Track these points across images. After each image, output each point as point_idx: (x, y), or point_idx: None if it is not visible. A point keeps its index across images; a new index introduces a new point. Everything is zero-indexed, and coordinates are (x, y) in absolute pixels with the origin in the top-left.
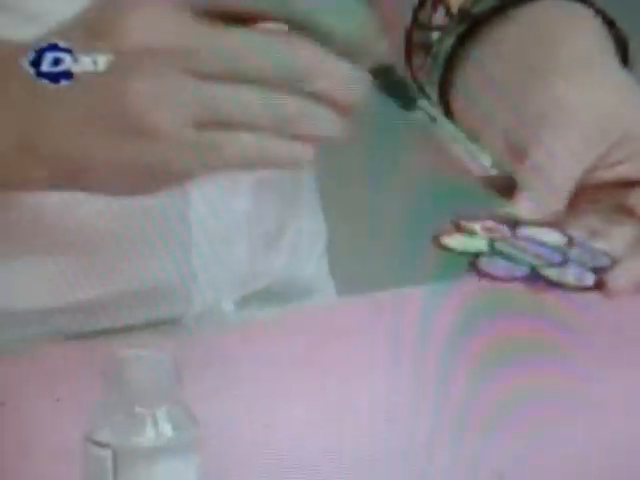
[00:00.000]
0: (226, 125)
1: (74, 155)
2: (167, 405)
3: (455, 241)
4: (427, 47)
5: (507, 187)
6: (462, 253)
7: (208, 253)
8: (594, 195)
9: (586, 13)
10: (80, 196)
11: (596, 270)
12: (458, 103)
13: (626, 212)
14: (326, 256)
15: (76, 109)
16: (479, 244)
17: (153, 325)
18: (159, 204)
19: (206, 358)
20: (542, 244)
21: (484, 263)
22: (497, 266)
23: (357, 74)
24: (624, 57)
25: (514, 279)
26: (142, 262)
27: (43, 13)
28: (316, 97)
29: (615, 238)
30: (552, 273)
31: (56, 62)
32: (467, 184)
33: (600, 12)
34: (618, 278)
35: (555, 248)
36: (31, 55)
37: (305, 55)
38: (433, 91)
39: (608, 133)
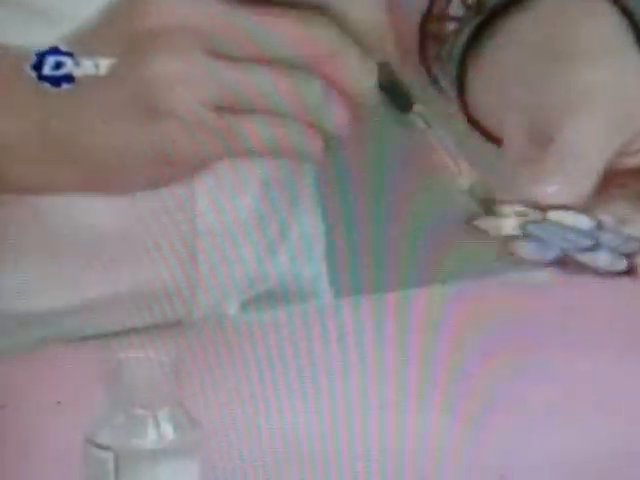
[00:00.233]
0: (247, 109)
1: (95, 145)
2: (168, 407)
3: (486, 224)
4: (442, 38)
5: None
6: (494, 236)
7: (213, 255)
8: (621, 180)
9: (603, 1)
10: (84, 197)
11: (626, 255)
12: (475, 93)
13: None
14: (325, 259)
15: (95, 93)
16: (510, 227)
17: (156, 327)
18: (165, 206)
19: (208, 360)
20: (573, 228)
21: (515, 247)
22: (529, 249)
23: (370, 65)
24: None
25: (545, 262)
26: (147, 264)
27: (49, 9)
28: (331, 83)
29: None
30: (584, 257)
31: (57, 66)
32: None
33: (617, 1)
34: None
35: (586, 232)
36: (33, 59)
37: (325, 37)
38: (447, 82)
39: (632, 117)
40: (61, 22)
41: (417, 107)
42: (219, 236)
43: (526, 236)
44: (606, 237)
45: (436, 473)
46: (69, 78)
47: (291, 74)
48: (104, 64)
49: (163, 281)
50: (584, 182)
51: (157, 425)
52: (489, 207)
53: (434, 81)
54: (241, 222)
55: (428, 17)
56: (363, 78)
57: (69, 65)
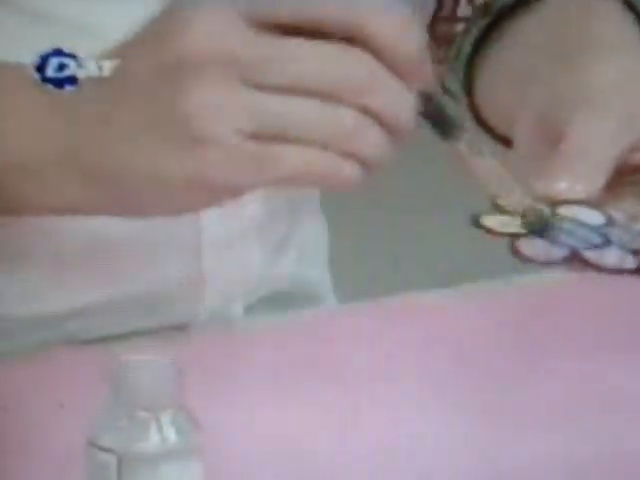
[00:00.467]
0: (281, 138)
1: (120, 167)
2: (171, 410)
3: (494, 221)
4: (450, 39)
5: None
6: (500, 233)
7: (218, 258)
8: (633, 177)
9: (610, 1)
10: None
11: (636, 252)
12: (483, 93)
13: None
14: (328, 265)
15: (129, 118)
16: (518, 224)
17: (160, 330)
18: None
19: (211, 363)
20: (582, 225)
21: (523, 245)
22: (536, 248)
23: (410, 95)
24: None
25: (553, 261)
26: (151, 267)
27: (49, 11)
28: (369, 114)
29: None
30: (592, 255)
31: (61, 67)
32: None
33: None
34: None
35: (595, 229)
36: (36, 60)
37: (364, 68)
38: (454, 83)
39: None
40: (62, 25)
41: (465, 135)
42: (224, 240)
43: (534, 234)
44: (616, 234)
45: (439, 474)
46: (72, 80)
47: (326, 104)
48: (107, 66)
49: (167, 284)
50: (595, 178)
51: (160, 428)
52: (492, 231)
53: (441, 82)
54: (245, 227)
55: (436, 18)
56: (403, 109)
57: (72, 67)
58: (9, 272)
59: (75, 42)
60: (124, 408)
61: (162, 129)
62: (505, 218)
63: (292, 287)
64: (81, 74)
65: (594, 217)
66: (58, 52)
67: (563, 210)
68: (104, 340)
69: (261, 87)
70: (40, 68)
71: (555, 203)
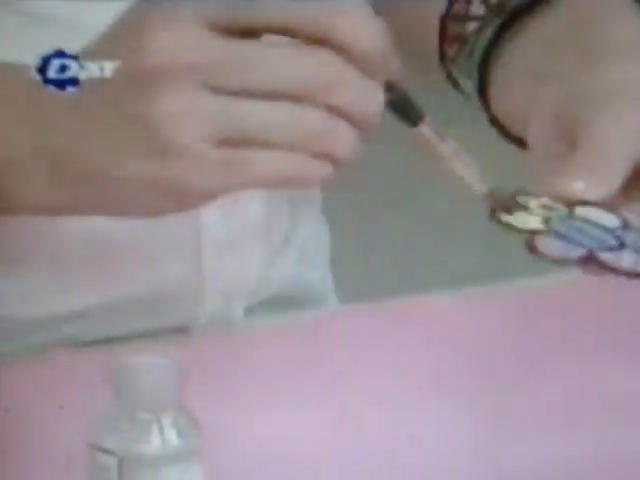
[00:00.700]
0: (250, 143)
1: (93, 171)
2: (172, 412)
3: (511, 217)
4: (462, 38)
5: (506, 205)
6: (518, 230)
7: (219, 260)
8: None
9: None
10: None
11: None
12: (498, 93)
13: None
14: (330, 266)
15: (97, 125)
16: (535, 221)
17: (161, 332)
18: None
19: (212, 364)
20: (598, 226)
21: (540, 243)
22: (553, 246)
23: (377, 90)
24: None
25: (569, 260)
26: (151, 268)
27: (50, 14)
28: (336, 112)
29: None
30: (607, 257)
31: (62, 69)
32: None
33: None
34: None
35: (611, 231)
36: (37, 62)
37: (328, 67)
38: (467, 83)
39: None
40: (61, 26)
41: (427, 120)
42: (224, 241)
43: (551, 232)
44: (631, 237)
45: (440, 475)
46: (74, 81)
47: (293, 106)
48: (109, 67)
49: (167, 285)
50: (612, 179)
51: (161, 430)
52: (509, 210)
53: (454, 83)
54: (246, 227)
55: (448, 17)
56: (370, 104)
57: (74, 68)
58: (9, 274)
59: (74, 43)
60: (125, 410)
61: (130, 137)
62: (523, 215)
63: (293, 289)
64: (83, 75)
65: (609, 219)
66: (60, 53)
67: (579, 211)
68: (105, 342)
69: (227, 92)
70: (42, 69)
71: (571, 203)
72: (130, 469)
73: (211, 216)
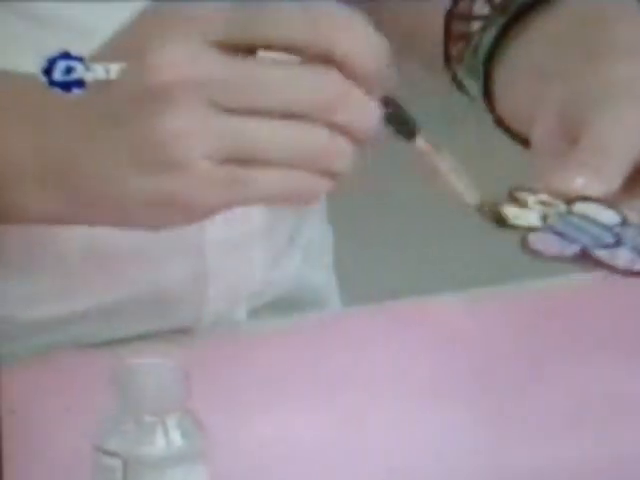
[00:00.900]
0: (252, 161)
1: (93, 185)
2: (177, 413)
3: (509, 212)
4: (466, 37)
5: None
6: (515, 226)
7: (222, 261)
8: None
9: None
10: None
11: None
12: (502, 92)
13: None
14: (333, 268)
15: (102, 141)
16: (532, 217)
17: (164, 334)
18: None
19: (216, 366)
20: (596, 223)
21: (535, 239)
22: (547, 243)
23: (375, 106)
24: None
25: (564, 257)
26: (155, 271)
27: (52, 16)
28: (338, 130)
29: None
30: (603, 254)
31: (68, 71)
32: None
33: None
34: None
35: (609, 228)
36: (43, 64)
37: (331, 86)
38: (472, 82)
39: None
40: (64, 29)
41: (422, 134)
42: (227, 242)
43: (547, 229)
44: (629, 234)
45: (441, 476)
46: (80, 83)
47: (296, 124)
48: (115, 69)
49: (170, 286)
50: (613, 176)
51: (166, 432)
52: (498, 222)
53: (459, 85)
54: (249, 228)
55: (453, 16)
56: (369, 120)
57: (79, 70)
58: (10, 277)
59: (77, 46)
60: (130, 412)
61: (134, 154)
62: (519, 211)
63: (297, 291)
64: (88, 77)
65: (609, 216)
66: (65, 55)
67: (578, 207)
68: (109, 344)
69: (231, 110)
70: (47, 71)
71: (571, 200)
72: (135, 471)
73: (215, 220)
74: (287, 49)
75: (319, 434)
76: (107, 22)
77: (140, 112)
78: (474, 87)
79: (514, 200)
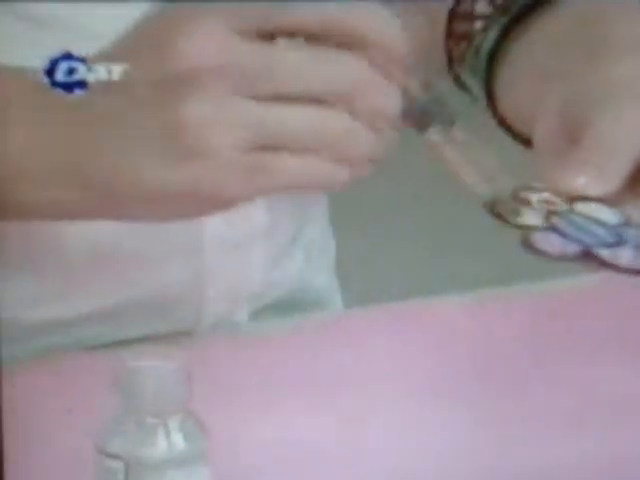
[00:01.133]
0: (276, 148)
1: (115, 177)
2: (179, 416)
3: (510, 211)
4: (468, 37)
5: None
6: (517, 225)
7: (222, 262)
8: None
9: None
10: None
11: None
12: (504, 91)
13: None
14: (335, 270)
15: (126, 130)
16: (534, 217)
17: (165, 336)
18: None
19: (217, 368)
20: (598, 222)
21: (537, 238)
22: (550, 242)
23: (397, 94)
24: None
25: (566, 256)
26: (155, 272)
27: (53, 17)
28: (360, 116)
29: None
30: (605, 253)
31: (70, 72)
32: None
33: None
34: None
35: (611, 227)
36: (45, 64)
37: (354, 72)
38: (474, 82)
39: None
40: (64, 30)
41: (435, 125)
42: (227, 243)
43: (549, 228)
44: (631, 233)
45: (442, 476)
46: (82, 84)
47: (319, 110)
48: (117, 70)
49: (171, 289)
50: (615, 175)
51: (167, 434)
52: (505, 220)
53: (461, 85)
54: (249, 229)
55: (455, 15)
56: (390, 107)
57: (82, 71)
58: (14, 278)
59: (78, 46)
60: (132, 414)
61: (159, 141)
62: (523, 210)
63: (298, 292)
64: (91, 78)
65: (611, 215)
66: (67, 56)
67: (580, 206)
68: (111, 346)
69: (255, 98)
70: (49, 72)
71: (573, 199)
72: (136, 473)
73: (213, 218)
74: (313, 36)
75: (320, 435)
76: (107, 22)
77: (166, 97)
78: (476, 89)
79: (517, 199)
